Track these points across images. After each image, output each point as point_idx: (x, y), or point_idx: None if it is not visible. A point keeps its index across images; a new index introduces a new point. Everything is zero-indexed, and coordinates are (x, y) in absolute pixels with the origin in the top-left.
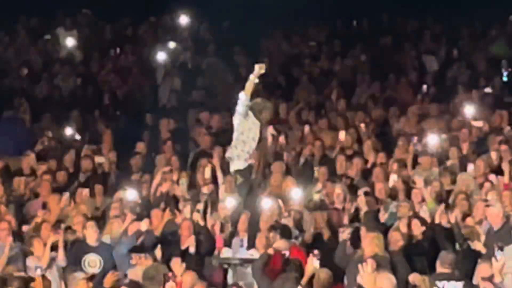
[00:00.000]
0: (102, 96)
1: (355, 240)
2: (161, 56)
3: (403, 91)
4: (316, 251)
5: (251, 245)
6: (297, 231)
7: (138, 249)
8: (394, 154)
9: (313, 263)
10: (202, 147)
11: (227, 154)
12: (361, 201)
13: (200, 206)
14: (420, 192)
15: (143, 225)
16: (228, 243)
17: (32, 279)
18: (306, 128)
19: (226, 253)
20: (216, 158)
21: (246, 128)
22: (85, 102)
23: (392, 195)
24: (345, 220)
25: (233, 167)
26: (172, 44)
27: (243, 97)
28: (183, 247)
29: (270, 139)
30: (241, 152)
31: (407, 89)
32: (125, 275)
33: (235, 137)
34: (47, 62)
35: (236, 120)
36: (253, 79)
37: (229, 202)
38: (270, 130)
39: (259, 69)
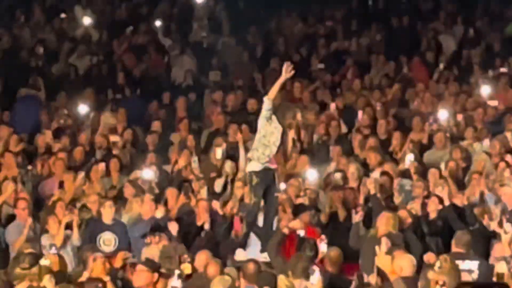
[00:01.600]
0: (117, 75)
1: (368, 220)
2: (176, 35)
3: (418, 71)
4: (323, 236)
5: (265, 247)
6: (313, 211)
7: (153, 229)
8: (410, 133)
9: (321, 248)
10: (216, 126)
11: (248, 155)
12: (370, 184)
13: (221, 182)
14: (436, 172)
15: (159, 213)
16: (243, 244)
17: (42, 256)
18: (332, 105)
19: (240, 255)
20: (236, 135)
21: (269, 132)
22: (100, 80)
23: (408, 175)
24: (360, 199)
25: (249, 168)
26: (187, 23)
27: (267, 102)
28: (198, 223)
29: (290, 144)
30: (261, 155)
31: (423, 68)
32: (134, 256)
33: (257, 139)
34: (63, 41)
35: (260, 122)
36: (279, 84)
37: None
38: (291, 134)
39: (286, 74)
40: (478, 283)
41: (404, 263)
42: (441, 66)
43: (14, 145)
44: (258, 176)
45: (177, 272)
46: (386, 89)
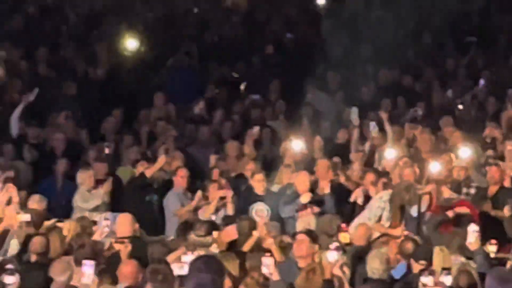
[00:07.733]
0: (265, 45)
1: None
2: (328, 7)
3: None
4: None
5: None
6: (465, 188)
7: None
8: None
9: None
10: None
11: None
12: None
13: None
14: None
15: (304, 198)
16: None
17: (215, 226)
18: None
19: None
20: (383, 111)
21: None
22: (250, 52)
23: None
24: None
25: None
26: None
27: None
28: (352, 199)
29: None
30: None
31: None
32: None
33: None
34: (216, 9)
35: None
36: None
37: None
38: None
39: None
40: None
41: None
42: None
43: (170, 114)
44: None
45: (335, 244)
46: None
